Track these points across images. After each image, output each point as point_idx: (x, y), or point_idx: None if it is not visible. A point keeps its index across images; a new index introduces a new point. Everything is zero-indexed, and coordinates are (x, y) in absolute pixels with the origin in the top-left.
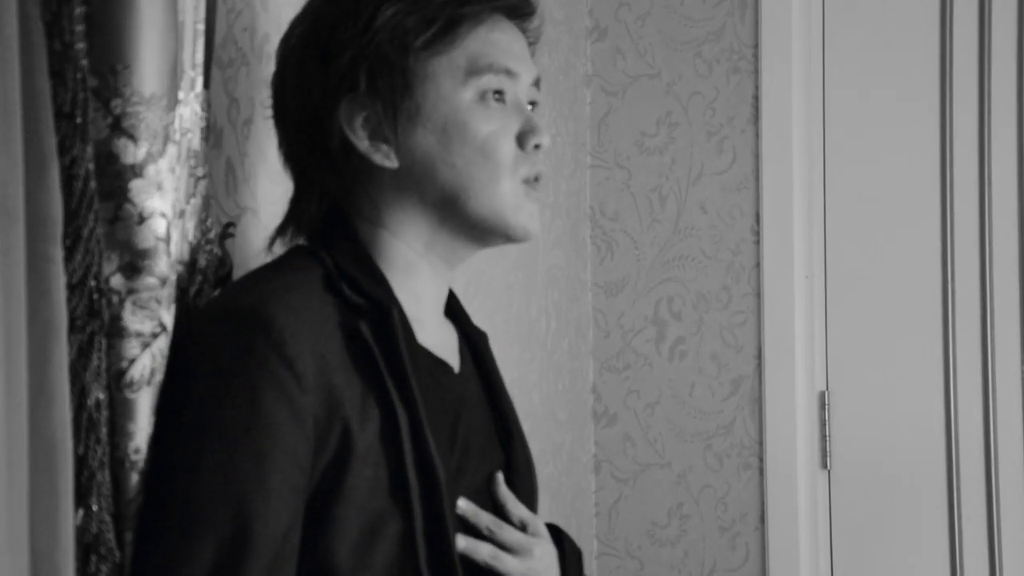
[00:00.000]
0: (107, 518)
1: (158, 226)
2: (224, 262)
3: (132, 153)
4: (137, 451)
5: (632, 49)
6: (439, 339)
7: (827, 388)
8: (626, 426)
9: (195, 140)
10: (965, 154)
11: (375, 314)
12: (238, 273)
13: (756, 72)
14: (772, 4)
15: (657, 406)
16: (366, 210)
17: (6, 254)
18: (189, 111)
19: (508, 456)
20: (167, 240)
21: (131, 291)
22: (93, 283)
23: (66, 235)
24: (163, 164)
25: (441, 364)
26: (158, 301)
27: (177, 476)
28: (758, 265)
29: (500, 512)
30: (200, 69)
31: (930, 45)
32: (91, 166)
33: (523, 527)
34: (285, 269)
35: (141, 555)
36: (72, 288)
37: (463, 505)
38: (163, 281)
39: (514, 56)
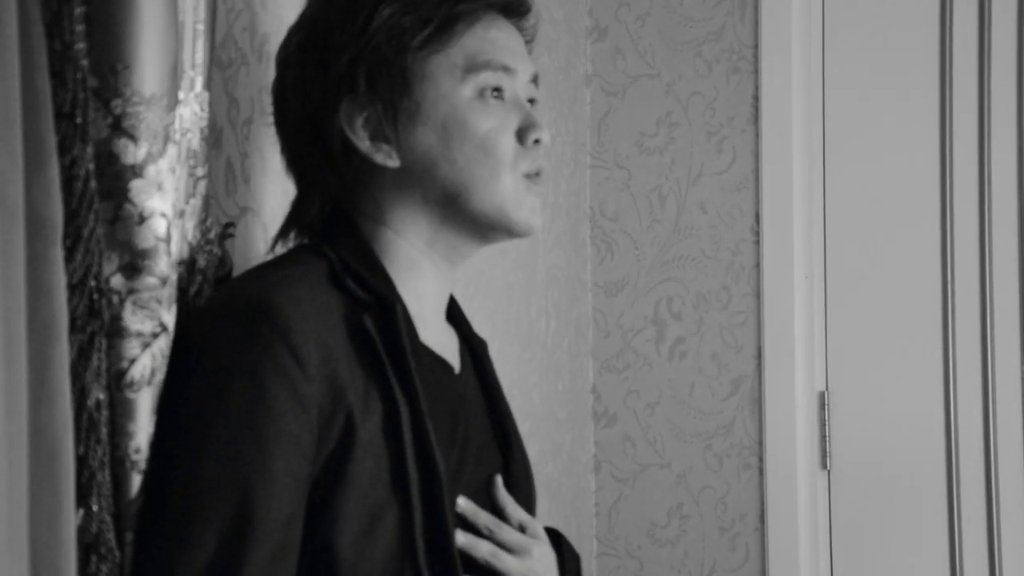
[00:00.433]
0: (107, 518)
1: (158, 226)
2: (224, 262)
3: (132, 153)
4: (137, 451)
5: (632, 49)
6: (440, 339)
7: (827, 388)
8: (626, 426)
9: (195, 140)
10: (965, 154)
11: (379, 309)
12: (238, 273)
13: (756, 72)
14: (772, 4)
15: (657, 406)
16: (369, 209)
17: (6, 254)
18: (189, 111)
19: (506, 461)
20: (167, 240)
21: (131, 291)
22: (93, 283)
23: (66, 235)
24: (163, 164)
25: (442, 363)
26: (158, 301)
27: (181, 462)
28: (758, 265)
29: (499, 515)
30: (200, 69)
31: (930, 45)
32: (91, 166)
33: (522, 530)
34: (289, 263)
35: (144, 540)
36: (72, 288)
37: (463, 504)
38: (163, 281)
39: (511, 53)
